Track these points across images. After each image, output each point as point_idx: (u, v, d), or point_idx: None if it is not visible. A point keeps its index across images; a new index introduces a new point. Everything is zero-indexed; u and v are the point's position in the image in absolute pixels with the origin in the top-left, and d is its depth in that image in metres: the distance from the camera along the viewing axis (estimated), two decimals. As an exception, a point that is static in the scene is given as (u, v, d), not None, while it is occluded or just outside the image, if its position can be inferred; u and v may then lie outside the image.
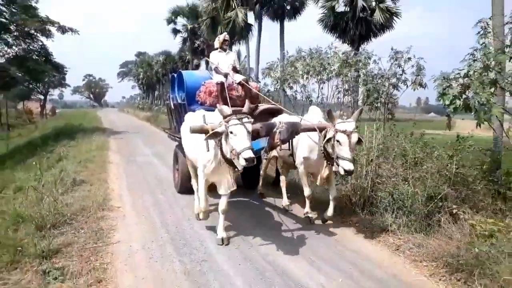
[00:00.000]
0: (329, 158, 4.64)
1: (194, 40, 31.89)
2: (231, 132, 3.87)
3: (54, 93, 64.76)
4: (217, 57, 6.52)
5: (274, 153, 6.23)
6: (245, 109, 4.12)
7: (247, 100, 4.40)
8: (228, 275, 3.79)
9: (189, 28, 30.73)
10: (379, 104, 11.74)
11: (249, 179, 7.21)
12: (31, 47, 21.57)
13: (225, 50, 6.66)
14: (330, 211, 5.22)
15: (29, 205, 5.46)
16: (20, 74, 23.25)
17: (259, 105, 6.04)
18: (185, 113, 6.33)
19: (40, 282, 3.45)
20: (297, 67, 14.07)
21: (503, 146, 6.51)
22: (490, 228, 4.31)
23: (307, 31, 21.52)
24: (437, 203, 5.21)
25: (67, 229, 4.83)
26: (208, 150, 4.24)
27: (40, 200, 5.56)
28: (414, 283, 3.72)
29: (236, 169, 4.23)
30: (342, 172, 4.27)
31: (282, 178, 6.42)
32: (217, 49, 6.64)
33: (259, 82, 16.08)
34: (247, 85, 6.33)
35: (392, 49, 11.32)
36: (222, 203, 4.64)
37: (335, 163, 4.40)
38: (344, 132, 4.24)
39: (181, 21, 32.02)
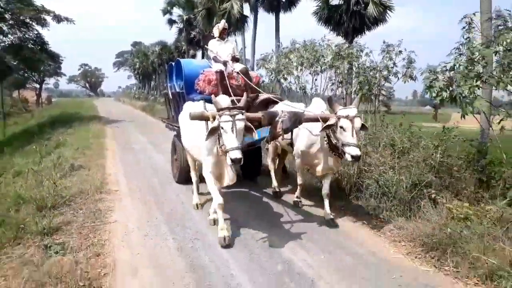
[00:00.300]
0: (335, 148, 4.55)
1: (190, 31, 31.89)
2: (222, 128, 3.76)
3: (50, 82, 64.53)
4: (216, 46, 6.43)
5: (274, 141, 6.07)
6: (241, 103, 4.00)
7: (245, 93, 4.35)
8: (218, 250, 4.06)
9: (184, 18, 30.74)
10: (372, 96, 12.04)
11: (249, 169, 7.03)
12: (26, 36, 21.56)
13: (224, 39, 6.60)
14: (328, 209, 5.10)
15: (29, 188, 5.69)
16: (15, 63, 23.29)
17: (259, 94, 6.13)
18: (183, 102, 6.30)
19: (42, 255, 3.69)
20: (291, 59, 14.29)
21: (489, 138, 6.75)
22: (465, 212, 4.61)
23: (303, 23, 21.65)
24: (421, 190, 5.50)
25: (66, 210, 5.08)
26: (207, 139, 4.04)
27: (40, 183, 5.80)
28: (391, 260, 4.00)
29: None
30: (349, 159, 4.20)
31: (271, 166, 6.47)
32: (215, 38, 6.56)
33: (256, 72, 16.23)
34: (243, 75, 6.14)
35: (384, 42, 11.57)
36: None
37: (341, 151, 4.34)
38: (346, 117, 4.19)
39: (177, 11, 32.06)
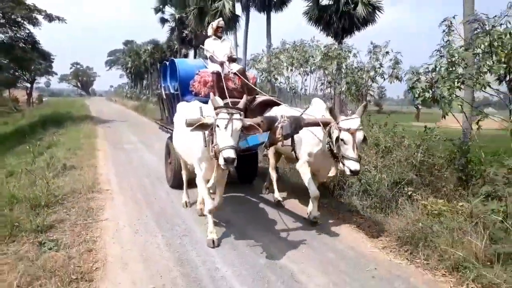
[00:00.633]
0: (334, 156, 4.37)
1: (182, 30, 31.92)
2: (218, 126, 3.58)
3: (41, 81, 64.04)
4: (212, 45, 6.17)
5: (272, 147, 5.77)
6: (240, 104, 3.85)
7: (245, 95, 4.20)
8: (204, 246, 4.27)
9: (177, 17, 30.82)
10: (360, 96, 12.32)
11: (245, 173, 6.89)
12: (18, 34, 21.57)
13: (220, 38, 6.34)
14: (311, 208, 5.05)
15: (22, 187, 5.85)
16: (6, 62, 23.25)
17: (256, 96, 5.93)
18: (178, 103, 6.08)
19: (37, 251, 3.87)
20: (281, 59, 14.53)
21: (470, 137, 7.00)
22: (439, 208, 4.89)
23: (295, 22, 21.88)
24: (402, 187, 5.76)
25: (59, 208, 5.26)
26: (206, 146, 3.89)
27: (33, 183, 5.97)
28: (368, 254, 4.25)
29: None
30: (348, 173, 4.04)
31: (274, 176, 6.19)
32: (211, 36, 6.33)
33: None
34: (240, 76, 5.98)
35: (371, 43, 11.87)
36: (216, 199, 4.48)
37: (340, 163, 4.18)
38: (348, 130, 4.00)
39: (169, 10, 32.17)
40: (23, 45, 22.30)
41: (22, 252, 3.88)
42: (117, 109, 33.43)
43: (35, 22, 21.16)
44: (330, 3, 18.13)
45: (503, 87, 6.12)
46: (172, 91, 6.76)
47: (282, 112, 4.73)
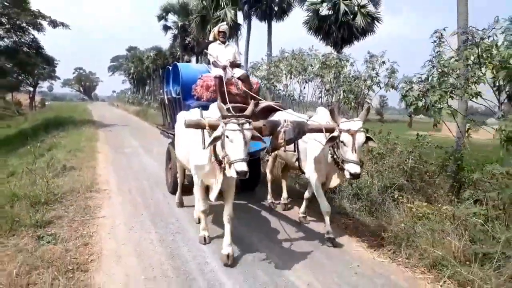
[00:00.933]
0: (337, 163, 4.22)
1: (185, 37, 32.34)
2: (227, 137, 3.41)
3: (44, 85, 64.55)
4: (216, 50, 6.15)
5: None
6: (248, 111, 3.66)
7: (252, 101, 4.06)
8: (196, 243, 4.46)
9: (179, 25, 31.20)
10: (357, 104, 12.57)
11: (247, 181, 6.43)
12: (22, 40, 21.96)
13: (224, 43, 6.31)
14: (329, 227, 4.71)
15: (23, 186, 6.05)
16: (9, 66, 23.61)
17: (260, 102, 5.84)
18: (179, 108, 6.11)
19: (35, 244, 4.07)
20: (281, 67, 14.82)
21: (462, 145, 7.17)
22: (424, 211, 5.07)
23: (295, 31, 22.23)
24: (393, 192, 5.94)
25: (58, 206, 5.46)
26: (204, 148, 3.75)
27: (33, 182, 6.18)
28: (353, 253, 4.43)
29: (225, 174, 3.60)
30: (348, 176, 3.91)
31: (268, 177, 6.20)
32: (216, 41, 6.31)
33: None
34: (242, 81, 5.95)
35: (368, 52, 12.15)
36: (228, 209, 4.18)
37: (341, 167, 4.07)
38: (347, 131, 3.90)
39: (172, 18, 32.56)
40: (27, 49, 22.70)
41: (22, 245, 4.07)
42: (118, 114, 33.74)
43: (39, 28, 21.57)
44: (330, 13, 18.43)
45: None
46: (174, 95, 6.69)
47: (285, 117, 4.58)
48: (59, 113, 27.48)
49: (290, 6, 21.97)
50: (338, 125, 4.05)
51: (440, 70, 6.79)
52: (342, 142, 3.95)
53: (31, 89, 51.98)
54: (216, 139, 3.51)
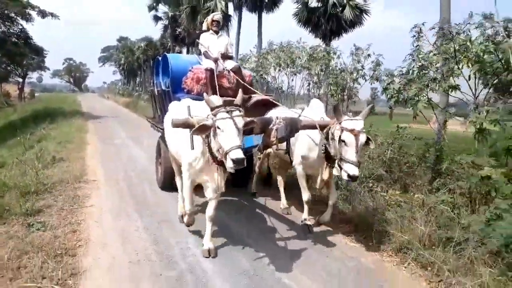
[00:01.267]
0: (329, 159, 4.16)
1: (176, 28, 32.25)
2: (218, 127, 3.30)
3: (33, 76, 63.76)
4: (207, 40, 5.92)
5: (268, 149, 5.49)
6: (237, 100, 3.55)
7: (240, 90, 3.81)
8: (181, 229, 4.69)
9: (170, 15, 31.16)
10: (345, 97, 12.84)
11: (239, 177, 6.19)
12: (10, 30, 21.79)
13: (217, 33, 6.06)
14: (327, 216, 4.85)
15: (13, 177, 6.22)
16: (-3, 56, 23.46)
17: (252, 95, 5.63)
18: (169, 101, 5.76)
19: (26, 231, 4.27)
20: (269, 60, 15.01)
21: (443, 138, 7.42)
22: (397, 199, 5.37)
23: (286, 23, 22.39)
24: (371, 182, 6.20)
25: (48, 196, 5.64)
26: (193, 148, 3.62)
27: (23, 173, 6.35)
28: (327, 238, 4.70)
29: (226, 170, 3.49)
30: (345, 177, 3.77)
31: (279, 179, 5.96)
32: (208, 30, 6.06)
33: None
34: (238, 74, 5.75)
35: (354, 45, 12.36)
36: (210, 208, 4.06)
37: (336, 166, 3.92)
38: (351, 131, 3.71)
39: (162, 8, 32.51)
40: (16, 40, 22.54)
41: (12, 232, 4.26)
42: (109, 105, 33.70)
43: (28, 18, 21.41)
44: (319, 5, 18.61)
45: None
46: (164, 87, 6.43)
47: (278, 113, 4.43)
48: (48, 104, 27.39)
49: (280, -3, 22.08)
50: (340, 123, 3.85)
51: (419, 64, 7.06)
52: (343, 141, 3.75)
53: (20, 80, 51.40)
54: (203, 128, 3.40)
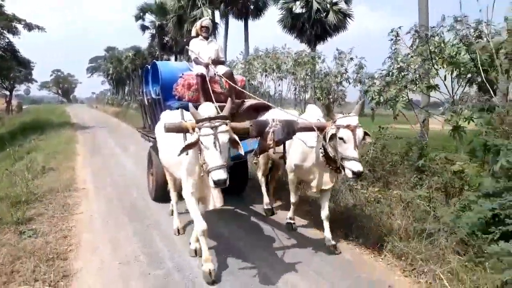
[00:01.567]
0: (331, 162, 3.99)
1: (163, 36, 32.46)
2: (202, 143, 3.17)
3: (20, 88, 63.17)
4: (198, 46, 5.82)
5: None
6: (225, 111, 3.40)
7: (229, 99, 3.65)
8: (169, 234, 4.86)
9: (157, 24, 31.33)
10: (328, 100, 13.11)
11: (234, 184, 5.69)
12: (-3, 44, 21.81)
13: (206, 39, 5.99)
14: (329, 234, 4.49)
15: (3, 188, 6.34)
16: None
17: (245, 100, 5.61)
18: (160, 109, 5.72)
19: (18, 238, 4.41)
20: (255, 65, 15.26)
21: (426, 136, 7.64)
22: (376, 196, 5.61)
23: (272, 29, 22.76)
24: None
25: (38, 204, 5.77)
26: (187, 154, 3.48)
27: (13, 184, 6.47)
28: (309, 234, 4.92)
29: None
30: (350, 175, 3.64)
31: (262, 181, 5.88)
32: (198, 36, 5.98)
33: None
34: (230, 79, 5.61)
35: (337, 49, 12.67)
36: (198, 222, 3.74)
37: (340, 166, 3.78)
38: (347, 127, 3.62)
39: (149, 17, 32.68)
40: (3, 53, 22.51)
41: (5, 240, 4.38)
42: (97, 115, 33.71)
43: (14, 31, 21.43)
44: (303, 11, 18.99)
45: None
46: (154, 96, 6.29)
47: (274, 116, 4.30)
48: (37, 116, 27.33)
49: (266, 4, 22.45)
50: (334, 122, 3.76)
51: (398, 66, 7.35)
52: (341, 138, 3.65)
53: (7, 93, 51.01)
54: (189, 145, 3.29)
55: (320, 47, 19.24)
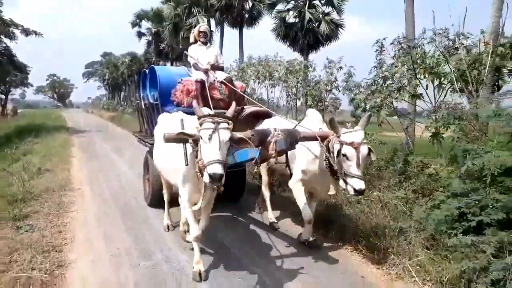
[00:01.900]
0: (334, 172, 3.90)
1: (159, 43, 32.83)
2: (201, 137, 3.12)
3: (16, 92, 63.25)
4: (196, 52, 5.77)
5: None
6: (228, 112, 3.39)
7: (233, 102, 3.68)
8: (159, 229, 5.13)
9: (153, 31, 31.71)
10: (323, 107, 13.49)
11: (232, 191, 5.91)
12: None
13: (205, 44, 5.96)
14: (306, 234, 4.67)
15: (0, 188, 6.57)
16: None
17: (245, 107, 5.57)
18: (158, 115, 5.57)
19: (15, 233, 4.67)
20: (248, 73, 15.65)
21: (411, 143, 7.93)
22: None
23: (267, 37, 23.18)
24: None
25: (34, 203, 6.01)
26: (187, 164, 3.40)
27: (10, 184, 6.70)
28: (292, 232, 5.19)
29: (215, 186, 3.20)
30: (352, 192, 3.59)
31: (267, 194, 5.73)
32: (196, 42, 5.95)
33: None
34: (230, 85, 5.58)
35: (327, 58, 13.08)
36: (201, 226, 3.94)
37: (341, 181, 3.72)
38: (351, 144, 3.53)
39: (145, 24, 33.11)
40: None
41: (2, 234, 4.64)
42: (93, 120, 33.89)
43: (11, 36, 21.69)
44: (296, 21, 19.42)
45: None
46: (151, 101, 6.23)
47: (275, 124, 4.28)
48: (32, 120, 27.46)
49: (260, 13, 22.85)
50: (339, 136, 3.66)
51: (382, 75, 7.71)
52: (344, 155, 3.57)
53: (3, 96, 51.02)
54: (182, 135, 3.26)
55: (312, 56, 19.65)
